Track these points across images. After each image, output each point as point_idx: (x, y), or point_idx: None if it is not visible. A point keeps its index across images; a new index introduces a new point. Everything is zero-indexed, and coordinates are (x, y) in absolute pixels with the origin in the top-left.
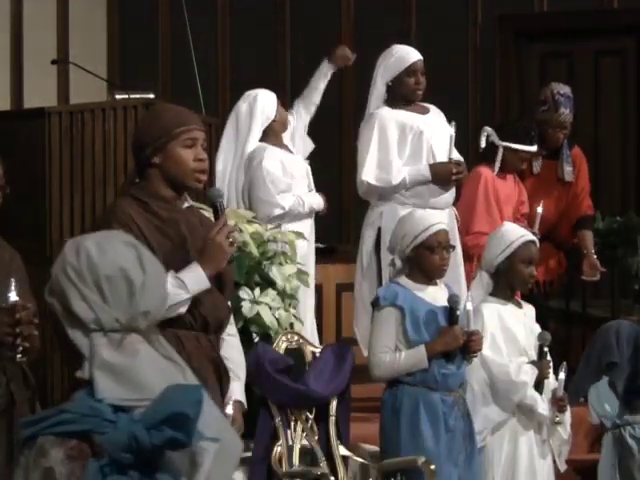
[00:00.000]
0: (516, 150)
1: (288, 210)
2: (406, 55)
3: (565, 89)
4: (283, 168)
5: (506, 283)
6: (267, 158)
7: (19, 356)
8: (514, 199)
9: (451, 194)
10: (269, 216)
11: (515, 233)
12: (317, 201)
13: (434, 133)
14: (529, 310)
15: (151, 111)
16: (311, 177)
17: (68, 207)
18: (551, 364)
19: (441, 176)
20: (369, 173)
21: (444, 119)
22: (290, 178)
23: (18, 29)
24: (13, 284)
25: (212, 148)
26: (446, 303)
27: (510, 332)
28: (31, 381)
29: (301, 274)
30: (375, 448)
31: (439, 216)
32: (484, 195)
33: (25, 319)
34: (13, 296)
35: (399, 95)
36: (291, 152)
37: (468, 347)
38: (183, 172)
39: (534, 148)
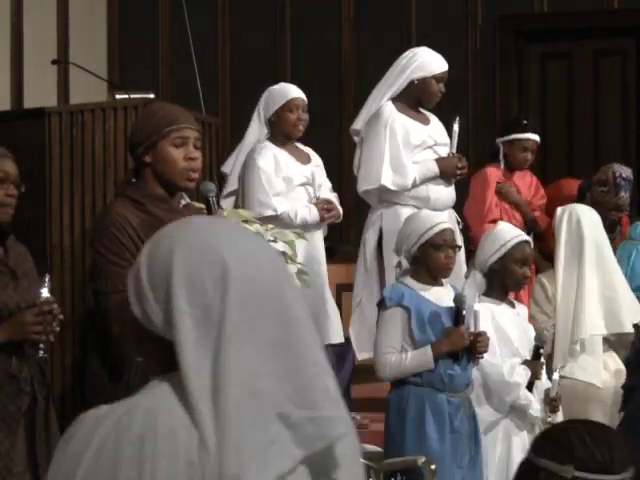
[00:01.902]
0: (512, 141)
1: (279, 215)
2: (442, 61)
3: (627, 172)
4: (277, 169)
5: (499, 283)
6: (262, 156)
7: (42, 352)
8: (525, 193)
9: (450, 195)
10: (260, 215)
11: (509, 233)
12: (313, 216)
13: (435, 145)
14: (522, 310)
15: (143, 110)
16: (317, 185)
17: (68, 207)
18: (544, 365)
19: (447, 170)
20: (387, 177)
21: (443, 129)
22: (285, 181)
23: (18, 29)
24: (47, 281)
25: (212, 148)
26: (451, 304)
27: (503, 332)
28: (47, 378)
29: (301, 274)
30: (375, 448)
31: (444, 216)
32: (493, 189)
33: (54, 314)
34: (45, 292)
35: (416, 96)
36: (298, 156)
37: (474, 348)
38: (173, 171)
39: (528, 135)
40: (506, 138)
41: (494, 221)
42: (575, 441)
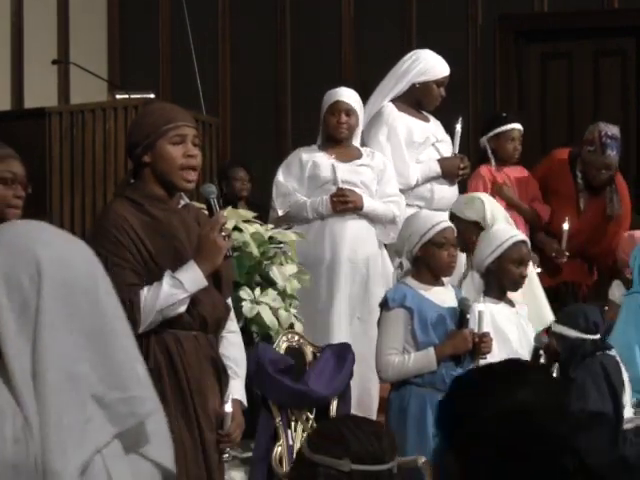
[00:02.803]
0: (497, 136)
1: (283, 215)
2: (444, 66)
3: (613, 130)
4: (301, 170)
5: (497, 283)
6: (284, 162)
7: None
8: (519, 187)
9: (454, 194)
10: (271, 219)
11: (505, 233)
12: (324, 205)
13: (437, 142)
14: (522, 309)
15: (141, 110)
16: (339, 176)
17: (68, 207)
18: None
19: (449, 170)
20: None
21: (442, 128)
22: (310, 180)
23: (18, 29)
24: None
25: (212, 147)
26: (453, 304)
27: (502, 332)
28: None
29: (301, 274)
30: None
31: (444, 214)
32: (489, 187)
33: None
34: None
35: (416, 99)
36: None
37: (478, 349)
38: (172, 169)
39: (511, 125)
40: (490, 134)
41: None
42: (349, 437)
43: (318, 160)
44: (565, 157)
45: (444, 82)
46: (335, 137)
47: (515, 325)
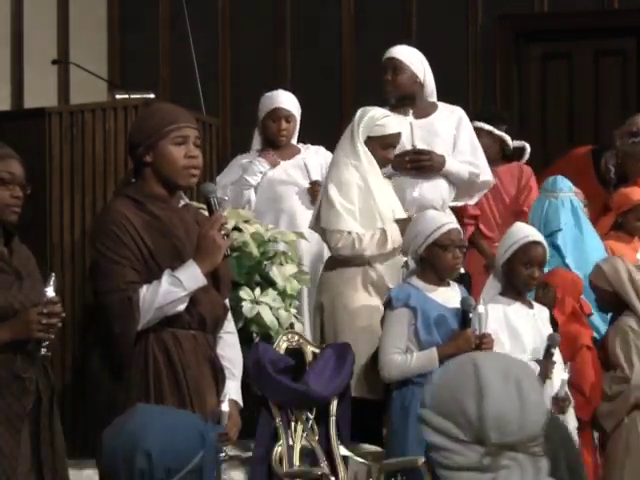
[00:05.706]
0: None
1: None
2: (386, 52)
3: None
4: (248, 175)
5: (510, 284)
6: (223, 171)
7: (44, 350)
8: (509, 186)
9: (436, 192)
10: None
11: (518, 234)
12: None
13: (424, 141)
14: (540, 311)
15: (143, 111)
16: (296, 176)
17: (68, 207)
18: (556, 365)
19: (397, 164)
20: None
21: (450, 120)
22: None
23: (18, 29)
24: (52, 279)
25: (212, 147)
26: (457, 304)
27: (514, 330)
28: (51, 378)
29: (301, 274)
30: (376, 448)
31: (451, 216)
32: None
33: (55, 312)
34: (50, 291)
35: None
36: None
37: (479, 350)
38: (174, 170)
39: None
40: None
41: (474, 217)
42: None
43: (263, 167)
44: (585, 154)
45: (387, 66)
46: (276, 143)
47: (530, 325)
